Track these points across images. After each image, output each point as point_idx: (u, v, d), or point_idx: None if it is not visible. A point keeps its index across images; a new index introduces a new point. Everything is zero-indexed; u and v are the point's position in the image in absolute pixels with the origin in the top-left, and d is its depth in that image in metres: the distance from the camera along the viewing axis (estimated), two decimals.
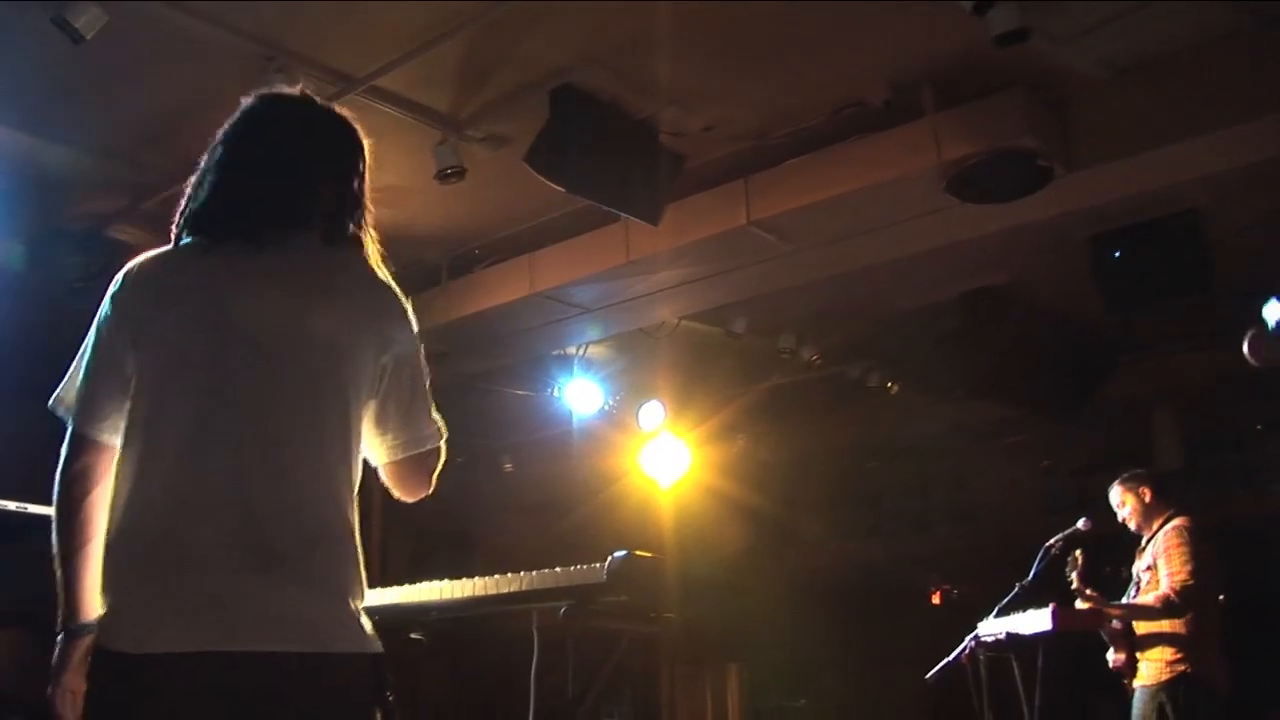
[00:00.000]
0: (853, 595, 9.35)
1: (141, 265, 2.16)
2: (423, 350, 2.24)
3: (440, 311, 6.70)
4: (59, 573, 2.06)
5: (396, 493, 2.30)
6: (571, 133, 5.09)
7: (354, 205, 2.24)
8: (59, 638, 2.05)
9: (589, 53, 4.89)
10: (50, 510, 2.89)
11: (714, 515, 9.00)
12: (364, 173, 2.27)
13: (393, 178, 5.59)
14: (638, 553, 2.81)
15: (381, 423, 2.20)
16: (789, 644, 9.06)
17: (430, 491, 2.29)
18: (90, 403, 2.11)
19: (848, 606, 9.23)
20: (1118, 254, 6.00)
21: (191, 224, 2.18)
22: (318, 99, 2.30)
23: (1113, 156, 5.22)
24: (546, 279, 6.55)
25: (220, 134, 2.24)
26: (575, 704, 2.98)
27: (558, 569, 2.90)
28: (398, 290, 2.24)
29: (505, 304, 6.72)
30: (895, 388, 8.18)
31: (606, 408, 8.35)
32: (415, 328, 2.23)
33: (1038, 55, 4.84)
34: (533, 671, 2.99)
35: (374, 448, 2.23)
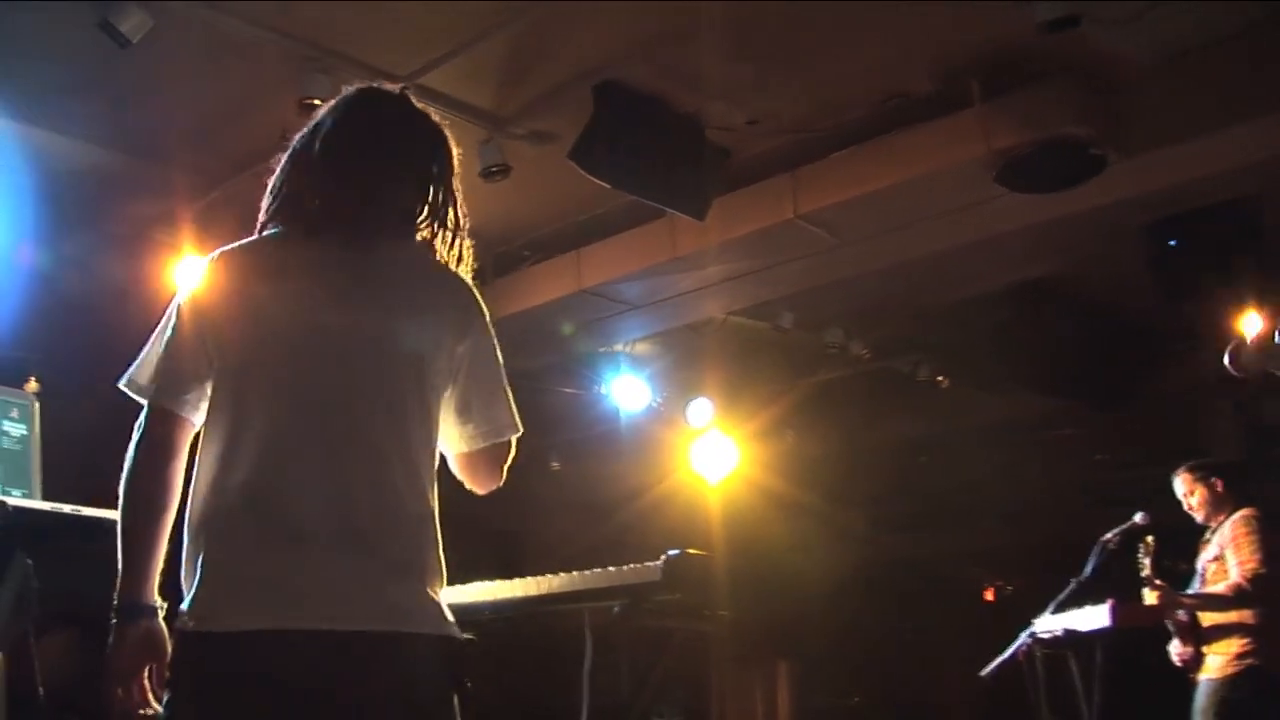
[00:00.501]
0: (903, 591, 9.27)
1: (227, 254, 2.17)
2: (497, 344, 2.25)
3: (487, 310, 6.70)
4: (122, 548, 2.03)
5: (470, 484, 2.31)
6: (616, 128, 5.07)
7: (442, 203, 2.24)
8: (114, 621, 2.02)
9: (632, 47, 4.86)
10: (104, 513, 2.93)
11: (762, 512, 8.95)
12: (452, 171, 2.27)
13: None
14: (690, 550, 2.79)
15: (463, 412, 2.21)
16: (839, 641, 9.00)
17: (500, 484, 2.29)
18: (171, 377, 2.10)
19: (898, 603, 9.16)
20: (1174, 242, 5.91)
21: (279, 215, 2.20)
22: (412, 98, 2.29)
23: (1165, 143, 5.13)
24: (593, 276, 6.54)
25: (313, 123, 2.24)
26: (630, 704, 2.96)
27: (611, 568, 2.88)
28: (474, 284, 2.26)
29: (551, 301, 6.72)
30: (945, 381, 8.11)
31: (654, 405, 8.33)
32: (491, 327, 2.25)
33: (1087, 42, 4.75)
34: (585, 671, 2.97)
35: (451, 438, 2.24)
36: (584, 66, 4.96)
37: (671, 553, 2.77)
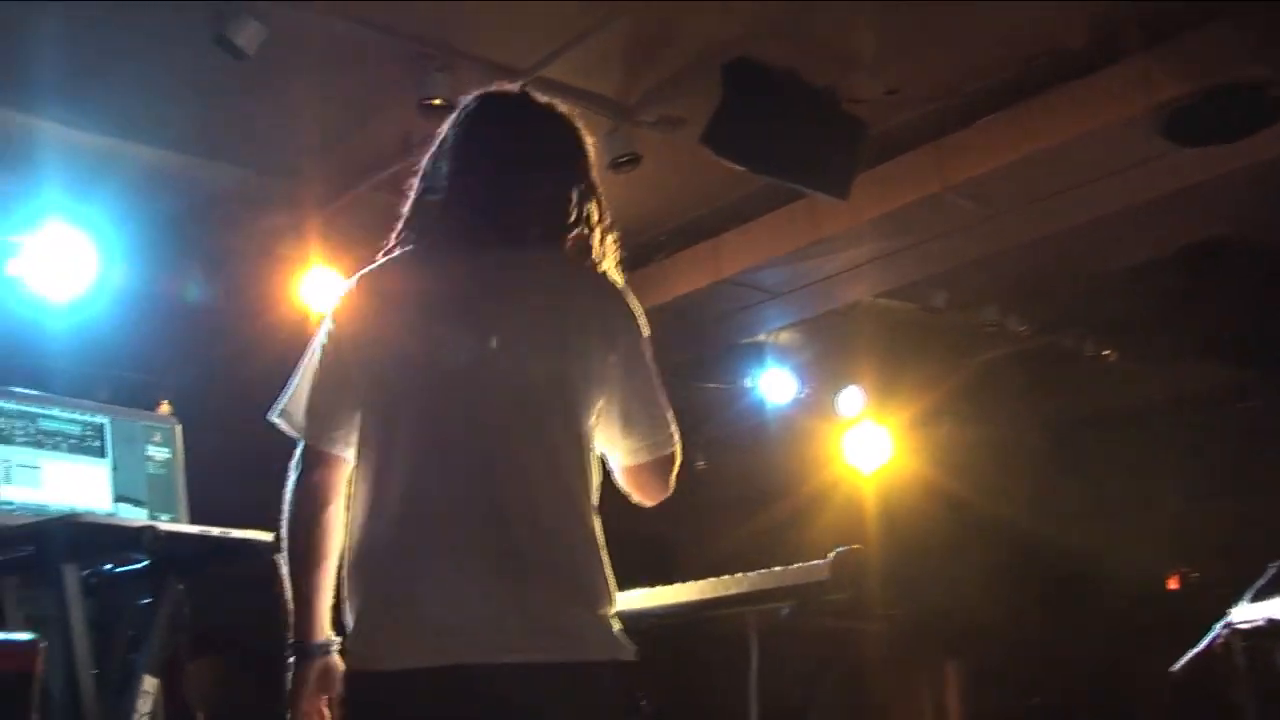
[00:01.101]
0: (1077, 583, 9.03)
1: (366, 278, 2.20)
2: (650, 349, 2.23)
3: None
4: (291, 590, 2.11)
5: (636, 496, 2.31)
6: (748, 108, 5.03)
7: (580, 205, 2.22)
8: (290, 660, 2.10)
9: (760, 22, 4.81)
10: (252, 534, 3.02)
11: (921, 504, 8.82)
12: (591, 170, 2.26)
13: None
14: (857, 547, 2.74)
15: (623, 426, 2.21)
16: (1011, 639, 8.81)
17: (668, 493, 2.29)
18: (320, 416, 2.14)
19: (1073, 595, 8.93)
20: None
21: (413, 231, 2.22)
22: (536, 95, 2.29)
23: None
24: (732, 264, 6.53)
25: (437, 141, 2.26)
26: (801, 710, 2.93)
27: (777, 568, 2.85)
28: (626, 291, 2.24)
29: (690, 293, 6.72)
30: (1112, 355, 7.89)
31: (801, 396, 8.27)
32: (645, 331, 2.22)
33: None
34: (752, 677, 2.95)
35: (613, 451, 2.24)
36: (711, 45, 4.94)
37: (839, 549, 2.73)
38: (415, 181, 2.27)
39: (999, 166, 5.48)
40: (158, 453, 3.72)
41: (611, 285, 2.24)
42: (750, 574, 2.90)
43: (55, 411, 3.56)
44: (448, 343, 2.09)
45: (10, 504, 3.37)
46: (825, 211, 5.97)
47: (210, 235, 6.14)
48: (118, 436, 3.66)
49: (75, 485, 3.52)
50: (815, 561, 2.77)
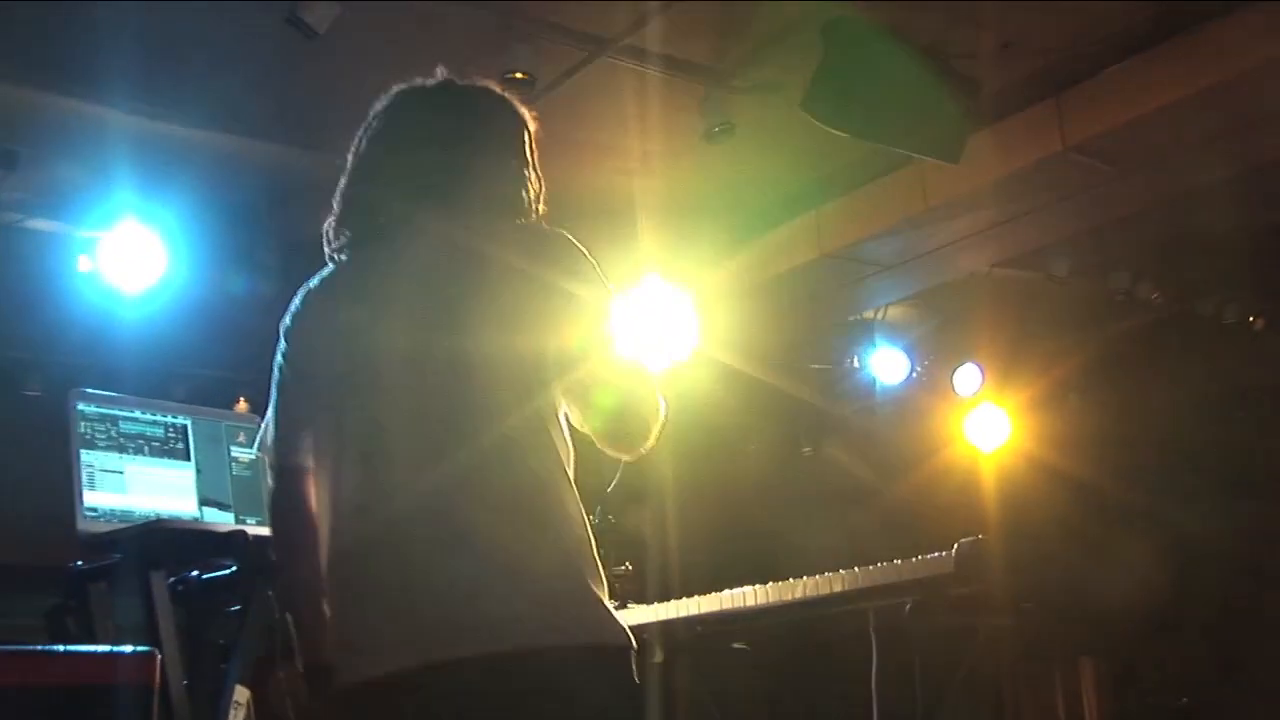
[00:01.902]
0: (1229, 573, 8.87)
1: (309, 292, 2.34)
2: (611, 301, 2.24)
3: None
4: (290, 611, 2.23)
5: (612, 454, 2.31)
6: (850, 69, 5.01)
7: (512, 174, 2.34)
8: (309, 685, 2.16)
9: None
10: None
11: (1045, 489, 8.71)
12: (514, 135, 2.36)
13: (657, 143, 5.66)
14: (983, 537, 2.73)
15: (588, 389, 2.21)
16: (1152, 634, 8.68)
17: (649, 445, 2.26)
18: (283, 434, 2.28)
19: (1218, 586, 8.77)
20: None
21: (344, 232, 2.36)
22: (441, 80, 2.45)
23: None
24: (835, 237, 6.51)
25: (358, 135, 2.45)
26: (927, 712, 2.93)
27: (898, 561, 2.86)
28: (571, 243, 2.26)
29: (791, 269, 6.71)
30: (1259, 321, 7.73)
31: (914, 376, 8.23)
32: (599, 280, 2.23)
33: None
34: (873, 679, 2.96)
35: (574, 416, 2.25)
36: (809, 3, 4.93)
37: (963, 540, 2.72)
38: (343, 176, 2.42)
39: (1127, 121, 5.40)
40: (242, 454, 3.83)
41: (555, 241, 2.26)
42: (869, 568, 2.89)
43: (137, 414, 3.67)
44: (376, 345, 2.17)
45: (95, 510, 3.48)
46: (935, 177, 5.93)
47: (287, 225, 6.25)
48: (201, 438, 3.77)
49: (160, 490, 3.63)
50: (938, 553, 2.76)
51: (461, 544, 2.02)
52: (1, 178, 5.45)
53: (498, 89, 2.42)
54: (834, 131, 5.10)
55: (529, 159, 2.38)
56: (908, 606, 2.83)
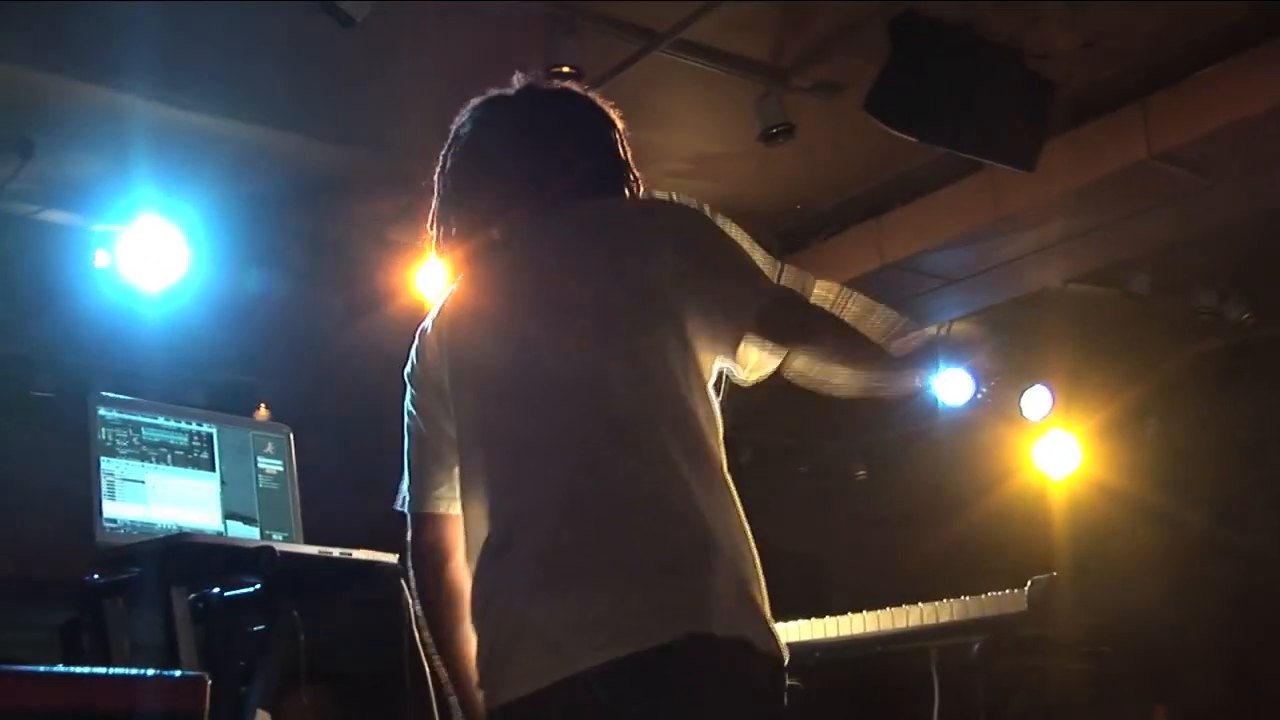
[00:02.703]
0: None
1: (425, 329, 2.42)
2: (720, 228, 2.31)
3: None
4: (443, 669, 2.30)
5: (827, 390, 2.34)
6: (918, 69, 5.04)
7: (605, 168, 2.43)
8: None
9: None
10: (375, 555, 3.19)
11: (1121, 521, 8.68)
12: (600, 124, 2.47)
13: (710, 144, 5.71)
14: (1057, 574, 2.76)
15: (723, 340, 2.25)
16: (1233, 681, 8.62)
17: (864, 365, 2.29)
18: (416, 481, 2.36)
19: None
20: None
21: (448, 255, 2.46)
22: (532, 86, 2.52)
23: None
24: (898, 247, 6.53)
25: (441, 159, 2.53)
26: None
27: (965, 597, 2.88)
28: (664, 196, 2.39)
29: (850, 280, 6.69)
30: None
31: (979, 397, 8.22)
32: (697, 216, 2.32)
33: None
34: None
35: (745, 361, 2.28)
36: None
37: (1036, 578, 2.75)
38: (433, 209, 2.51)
39: (1218, 128, 5.42)
40: (269, 465, 3.90)
41: (645, 209, 2.39)
42: (933, 604, 2.92)
43: (160, 420, 3.74)
44: (492, 358, 2.26)
45: (115, 521, 3.55)
46: (1008, 185, 5.94)
47: (315, 221, 6.33)
48: (226, 447, 3.83)
49: (183, 501, 3.70)
50: (1009, 591, 2.78)
51: (598, 557, 2.08)
52: (16, 167, 5.52)
53: (581, 90, 2.52)
54: (899, 135, 5.13)
55: (625, 158, 2.47)
56: (975, 647, 2.85)
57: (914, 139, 5.20)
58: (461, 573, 2.27)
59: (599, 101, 2.50)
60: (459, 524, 2.29)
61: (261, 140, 5.74)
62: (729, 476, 2.20)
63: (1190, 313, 7.46)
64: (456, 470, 2.30)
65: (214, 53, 5.11)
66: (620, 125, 2.50)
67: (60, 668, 2.45)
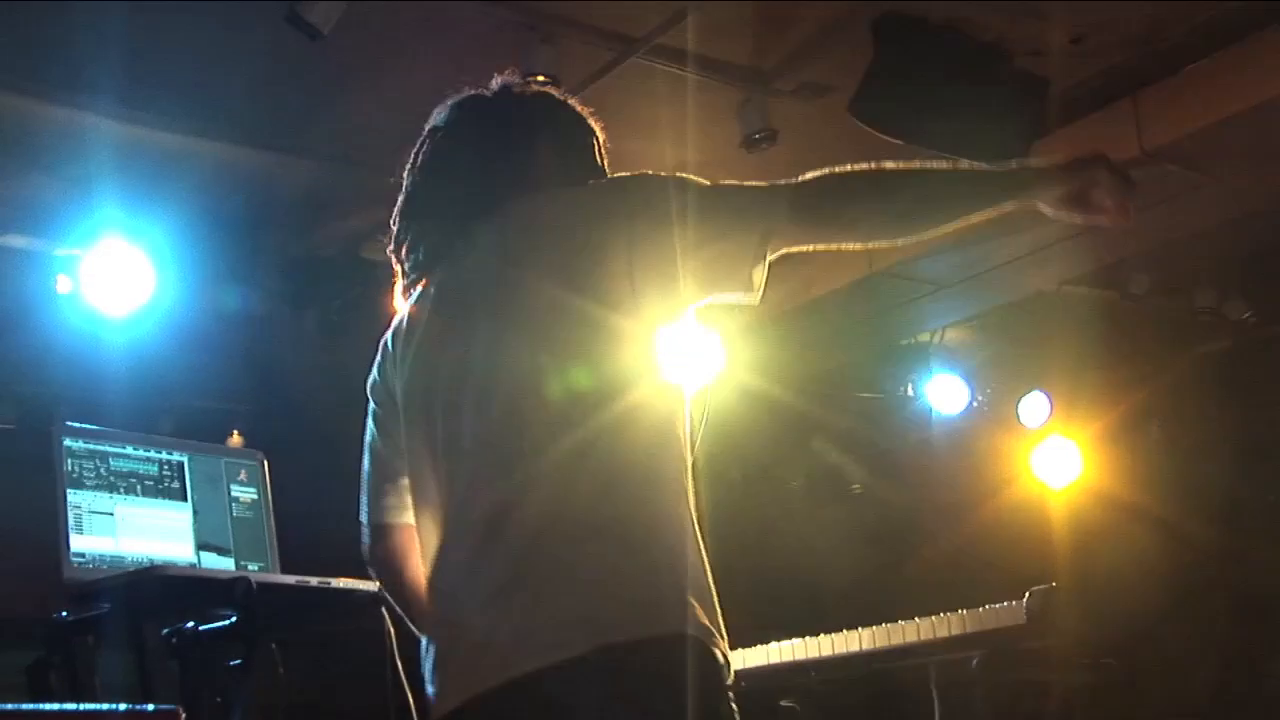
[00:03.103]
0: None
1: (383, 341, 2.50)
2: (670, 185, 2.33)
3: (761, 303, 6.80)
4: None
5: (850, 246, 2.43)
6: (904, 69, 5.07)
7: (573, 171, 2.47)
8: None
9: None
10: (356, 584, 3.21)
11: (1123, 531, 8.70)
12: (583, 139, 2.53)
13: (692, 151, 5.70)
14: (1056, 585, 2.77)
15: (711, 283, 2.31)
16: (1250, 699, 8.64)
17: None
18: (371, 493, 2.46)
19: None
20: None
21: (403, 271, 2.52)
22: (510, 87, 2.58)
23: None
24: (887, 253, 6.52)
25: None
26: None
27: (963, 611, 2.90)
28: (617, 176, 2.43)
29: (839, 288, 6.75)
30: None
31: (975, 405, 8.25)
32: (661, 178, 2.34)
33: None
34: None
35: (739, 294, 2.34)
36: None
37: (1036, 589, 2.76)
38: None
39: (1213, 123, 5.43)
40: (243, 493, 3.90)
41: (592, 189, 2.42)
42: (930, 618, 2.93)
43: (128, 449, 3.75)
44: (437, 369, 2.31)
45: (83, 556, 3.55)
46: None
47: (286, 240, 6.33)
48: (198, 476, 3.84)
49: (154, 533, 3.71)
50: (1007, 603, 2.79)
51: (512, 567, 2.14)
52: None
53: (559, 94, 2.56)
54: (885, 138, 5.15)
55: (601, 163, 2.53)
56: (974, 661, 2.86)
57: (901, 142, 5.22)
58: (419, 572, 2.36)
59: (578, 107, 2.54)
60: (413, 531, 2.38)
61: (230, 158, 5.73)
62: (679, 475, 2.22)
63: (1191, 313, 7.50)
64: (406, 481, 2.38)
65: (179, 68, 5.09)
66: (600, 134, 2.54)
67: (31, 705, 2.45)
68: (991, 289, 6.98)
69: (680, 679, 2.00)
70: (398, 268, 2.53)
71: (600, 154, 2.53)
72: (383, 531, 2.45)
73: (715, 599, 2.17)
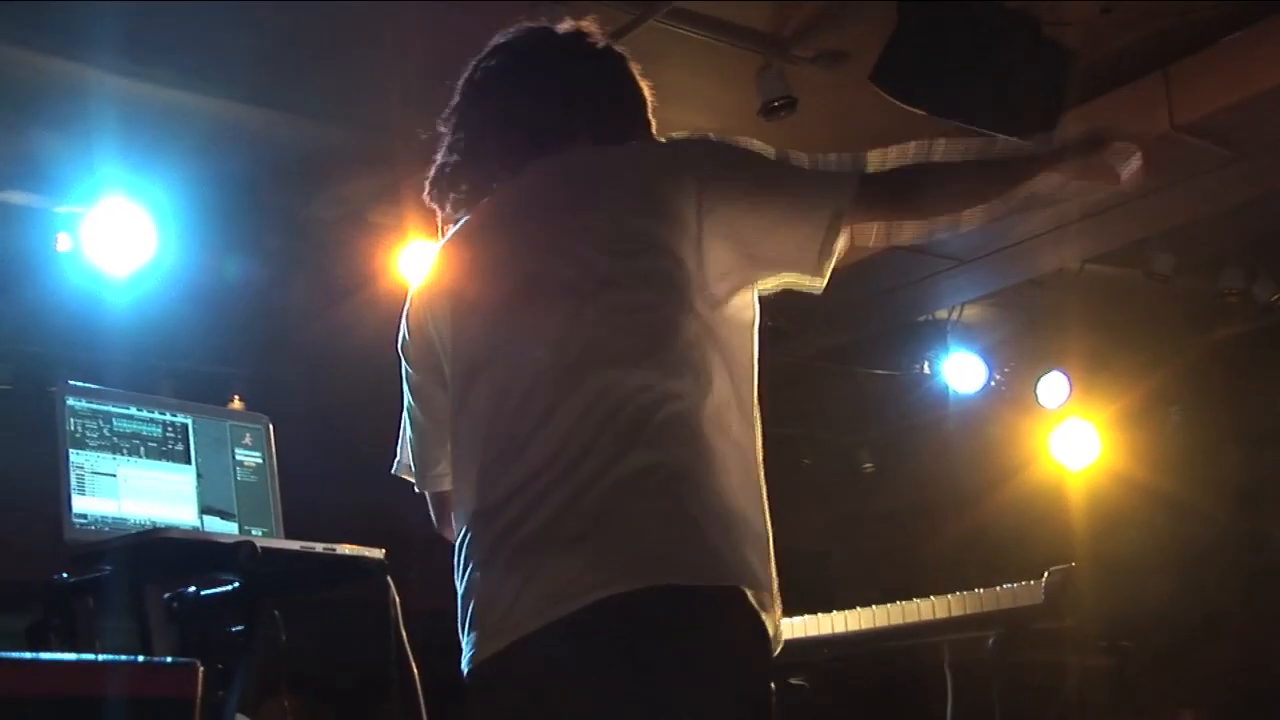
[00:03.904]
0: None
1: (411, 297, 2.47)
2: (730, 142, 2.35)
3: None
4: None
5: (930, 230, 2.47)
6: (927, 38, 5.06)
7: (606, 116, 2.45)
8: None
9: None
10: (363, 551, 3.24)
11: (1142, 513, 8.73)
12: (620, 83, 2.51)
13: (709, 118, 5.71)
14: (1075, 565, 2.79)
15: (768, 237, 2.28)
16: (1262, 685, 8.67)
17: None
18: (420, 462, 2.49)
19: None
20: None
21: (440, 205, 2.49)
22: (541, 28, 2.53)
23: None
24: (904, 227, 6.54)
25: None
26: None
27: (980, 590, 2.92)
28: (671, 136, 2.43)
29: (855, 263, 6.70)
30: None
31: (993, 384, 8.27)
32: (717, 141, 2.37)
33: None
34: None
35: (793, 257, 2.30)
36: None
37: (1055, 569, 2.78)
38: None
39: (1246, 98, 5.45)
40: (248, 457, 3.93)
41: (643, 148, 2.42)
42: (947, 597, 2.95)
43: (132, 410, 3.77)
44: (474, 335, 2.29)
45: (85, 517, 3.57)
46: None
47: (291, 201, 6.34)
48: (203, 439, 3.86)
49: (157, 495, 3.73)
50: (1025, 583, 2.81)
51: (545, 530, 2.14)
52: None
53: (630, 58, 2.53)
54: (907, 108, 5.15)
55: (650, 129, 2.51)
56: (990, 641, 2.88)
57: (923, 112, 5.22)
58: None
59: (640, 78, 2.53)
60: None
61: (234, 116, 5.73)
62: (735, 436, 2.21)
63: (1216, 294, 7.48)
64: (449, 448, 2.37)
65: (183, 23, 5.08)
66: (650, 102, 2.53)
67: (49, 655, 2.48)
68: (1012, 266, 6.99)
69: (729, 639, 2.05)
70: (435, 205, 2.50)
71: (652, 127, 2.52)
72: (442, 499, 2.49)
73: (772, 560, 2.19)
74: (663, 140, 2.46)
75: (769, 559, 2.18)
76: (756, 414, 2.28)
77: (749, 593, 2.08)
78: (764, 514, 2.22)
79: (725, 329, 2.24)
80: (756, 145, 2.36)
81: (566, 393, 2.13)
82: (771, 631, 2.14)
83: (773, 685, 2.14)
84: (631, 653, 2.01)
